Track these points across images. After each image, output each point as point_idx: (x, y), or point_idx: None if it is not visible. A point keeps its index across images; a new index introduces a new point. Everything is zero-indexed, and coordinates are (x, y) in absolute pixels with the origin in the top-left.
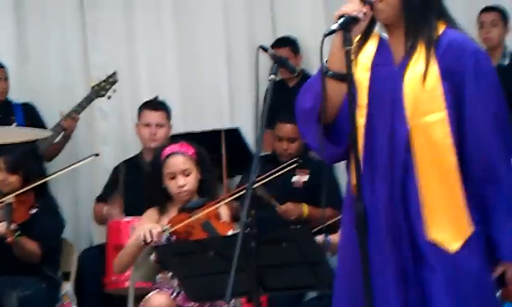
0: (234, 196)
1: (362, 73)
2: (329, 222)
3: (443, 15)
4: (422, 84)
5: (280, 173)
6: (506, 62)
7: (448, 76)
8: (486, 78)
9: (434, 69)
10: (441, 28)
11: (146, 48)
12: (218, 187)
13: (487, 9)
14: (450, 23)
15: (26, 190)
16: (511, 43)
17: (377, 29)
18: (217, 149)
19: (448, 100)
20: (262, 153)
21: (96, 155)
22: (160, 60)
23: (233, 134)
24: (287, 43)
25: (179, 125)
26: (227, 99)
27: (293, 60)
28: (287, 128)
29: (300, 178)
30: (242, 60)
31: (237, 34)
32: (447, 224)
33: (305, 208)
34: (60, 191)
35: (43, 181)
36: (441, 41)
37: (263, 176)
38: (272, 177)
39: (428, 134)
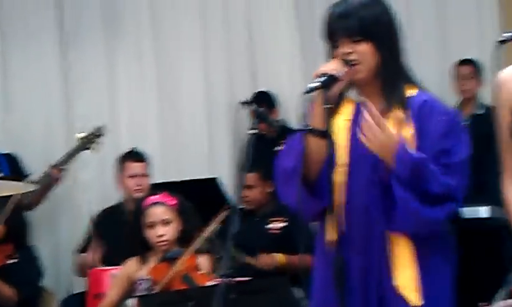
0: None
1: (341, 134)
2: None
3: (411, 78)
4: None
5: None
6: (481, 111)
7: (421, 135)
8: (457, 135)
9: (409, 129)
10: (412, 90)
11: (127, 99)
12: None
13: (464, 62)
14: (419, 86)
15: (6, 240)
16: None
17: (351, 93)
18: (196, 199)
19: None
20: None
21: None
22: (141, 110)
23: (212, 184)
24: (263, 99)
25: (159, 175)
26: (206, 150)
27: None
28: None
29: (276, 225)
30: (221, 112)
31: (217, 87)
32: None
33: (280, 258)
34: (40, 239)
35: None
36: (413, 102)
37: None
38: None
39: None
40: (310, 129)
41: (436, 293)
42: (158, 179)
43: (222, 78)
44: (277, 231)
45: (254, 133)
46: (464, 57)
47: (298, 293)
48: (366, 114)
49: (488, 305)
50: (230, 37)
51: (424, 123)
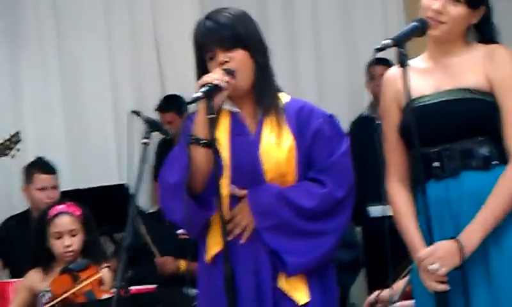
0: None
1: (222, 145)
2: None
3: (280, 87)
4: (278, 149)
5: None
6: None
7: (300, 138)
8: (335, 134)
9: (287, 134)
10: (285, 98)
11: (32, 107)
12: (102, 248)
13: (378, 62)
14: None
15: None
16: None
17: (226, 106)
18: (104, 206)
19: (301, 162)
20: (151, 210)
21: None
22: (47, 118)
23: (120, 190)
24: (172, 103)
25: (66, 182)
26: (115, 156)
27: (178, 121)
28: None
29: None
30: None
31: (124, 92)
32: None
33: (182, 264)
34: None
35: None
36: (289, 108)
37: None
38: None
39: None
40: (194, 139)
41: (322, 290)
42: (65, 187)
43: (129, 83)
44: (186, 236)
45: (147, 143)
46: (371, 57)
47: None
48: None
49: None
50: (135, 42)
51: (303, 127)
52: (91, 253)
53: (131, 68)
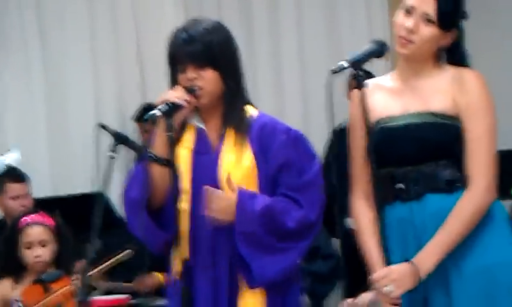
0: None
1: (184, 161)
2: None
3: (250, 101)
4: (238, 167)
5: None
6: None
7: (262, 156)
8: (300, 152)
9: (248, 152)
10: (253, 112)
11: (14, 112)
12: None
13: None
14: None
15: None
16: None
17: (193, 120)
18: (85, 214)
19: (263, 179)
20: None
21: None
22: (29, 124)
23: (99, 199)
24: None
25: (48, 189)
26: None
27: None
28: None
29: None
30: (111, 125)
31: (107, 98)
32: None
33: (159, 277)
34: None
35: None
36: (253, 125)
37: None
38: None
39: None
40: (153, 157)
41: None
42: (46, 193)
43: (111, 93)
44: None
45: (113, 157)
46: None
47: None
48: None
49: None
50: (119, 53)
51: (266, 144)
52: (64, 264)
53: (114, 78)
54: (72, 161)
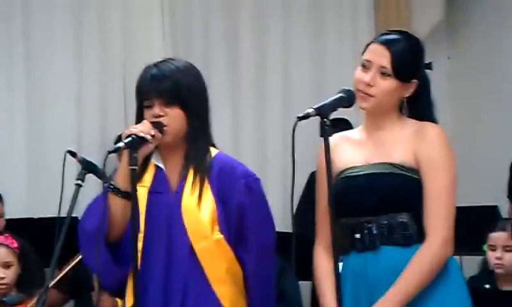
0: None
1: (141, 200)
2: None
3: (212, 141)
4: (198, 209)
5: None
6: None
7: (222, 198)
8: (257, 199)
9: (208, 193)
10: (213, 153)
11: None
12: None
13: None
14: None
15: None
16: None
17: (153, 159)
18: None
19: (223, 222)
20: None
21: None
22: (9, 143)
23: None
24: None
25: (25, 210)
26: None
27: None
28: None
29: None
30: (93, 146)
31: (89, 120)
32: None
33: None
34: None
35: None
36: (213, 165)
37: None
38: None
39: (211, 254)
40: (113, 189)
41: None
42: (21, 214)
43: (94, 116)
44: None
45: (80, 185)
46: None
47: None
48: None
49: None
50: (103, 74)
51: (224, 187)
52: (27, 287)
53: (97, 100)
54: (49, 183)
